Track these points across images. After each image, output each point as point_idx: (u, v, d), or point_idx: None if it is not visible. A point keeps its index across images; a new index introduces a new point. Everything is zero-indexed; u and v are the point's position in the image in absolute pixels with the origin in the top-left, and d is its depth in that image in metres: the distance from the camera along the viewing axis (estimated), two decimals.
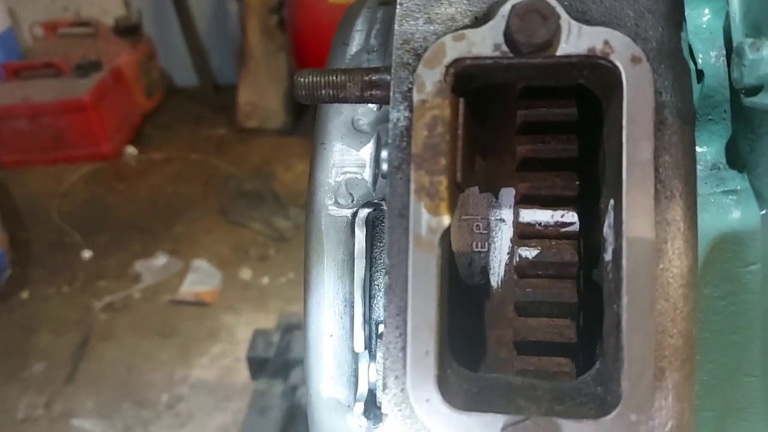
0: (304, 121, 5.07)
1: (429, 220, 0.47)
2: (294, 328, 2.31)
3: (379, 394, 0.64)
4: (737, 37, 0.55)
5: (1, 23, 5.12)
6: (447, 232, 0.48)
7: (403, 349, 0.47)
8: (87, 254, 3.95)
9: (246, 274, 3.72)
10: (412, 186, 0.47)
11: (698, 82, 0.62)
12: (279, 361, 2.12)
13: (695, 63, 0.62)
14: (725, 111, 0.61)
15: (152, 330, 3.44)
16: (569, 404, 0.46)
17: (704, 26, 0.63)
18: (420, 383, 0.46)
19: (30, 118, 4.63)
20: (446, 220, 0.47)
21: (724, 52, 0.61)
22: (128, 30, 5.20)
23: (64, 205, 4.40)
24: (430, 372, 0.46)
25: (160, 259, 3.83)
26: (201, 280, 3.65)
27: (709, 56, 0.61)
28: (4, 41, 5.09)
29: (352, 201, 0.69)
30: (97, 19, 5.31)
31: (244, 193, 4.30)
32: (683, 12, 0.51)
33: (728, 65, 0.60)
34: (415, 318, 0.47)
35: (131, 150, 4.88)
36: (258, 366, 2.20)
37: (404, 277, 0.48)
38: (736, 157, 0.60)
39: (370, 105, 0.73)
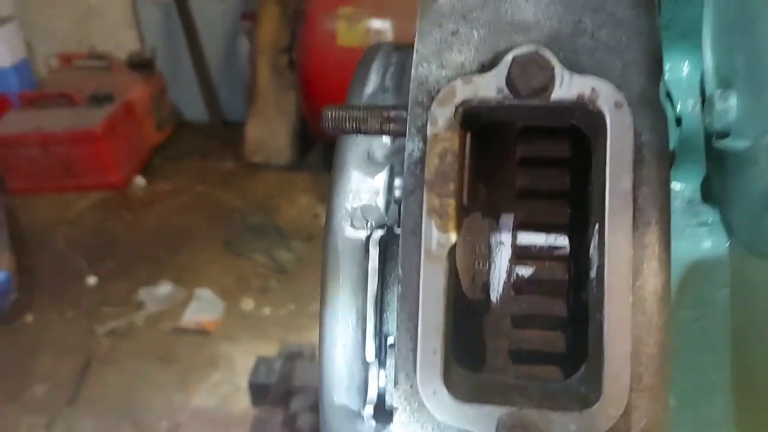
0: (308, 157, 5.18)
1: (439, 237, 0.54)
2: (296, 356, 2.36)
3: (388, 398, 0.71)
4: (709, 88, 0.63)
5: (18, 54, 5.26)
6: (453, 248, 0.55)
7: (413, 350, 0.54)
8: (92, 280, 4.01)
9: (248, 304, 3.77)
10: (425, 206, 0.55)
11: (677, 126, 0.70)
12: (280, 388, 2.17)
13: (675, 110, 0.70)
14: (701, 153, 0.69)
15: (153, 356, 3.48)
16: (557, 401, 0.53)
17: (683, 78, 0.72)
18: (428, 378, 0.53)
19: (42, 146, 4.73)
20: (453, 236, 0.54)
21: (701, 100, 0.69)
22: (141, 65, 5.34)
23: (72, 232, 4.47)
24: (437, 368, 0.53)
25: (164, 288, 3.89)
26: (204, 309, 3.71)
27: (687, 104, 0.69)
28: (20, 71, 5.23)
29: (367, 224, 0.76)
30: (112, 53, 5.46)
31: (249, 226, 4.38)
32: (662, 66, 0.60)
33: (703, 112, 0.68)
34: (424, 321, 0.54)
35: (140, 180, 4.98)
36: (259, 392, 2.24)
37: (416, 286, 0.55)
38: (709, 193, 0.67)
39: (384, 139, 0.81)
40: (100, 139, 4.69)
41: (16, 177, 4.80)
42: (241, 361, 3.37)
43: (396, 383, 0.55)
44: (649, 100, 0.57)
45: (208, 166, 5.16)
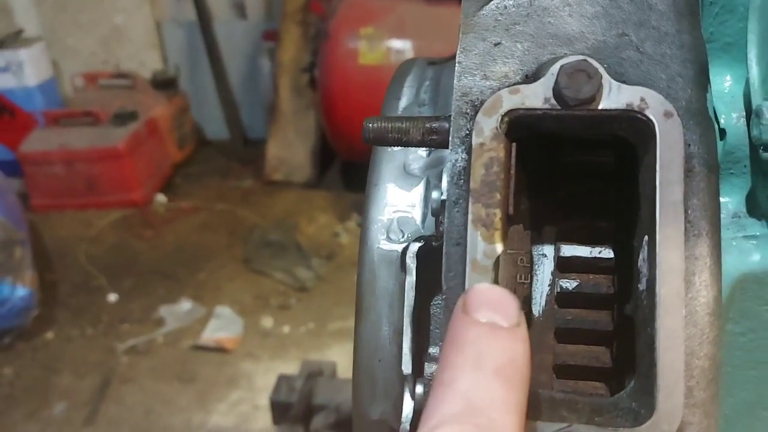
0: (328, 176, 5.20)
1: (485, 248, 0.54)
2: (317, 374, 2.35)
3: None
4: (756, 100, 0.62)
5: (44, 73, 5.35)
6: (498, 259, 0.54)
7: None
8: (112, 297, 4.03)
9: (267, 322, 3.77)
10: (470, 217, 0.54)
11: (721, 140, 0.69)
12: (301, 406, 2.16)
13: (718, 123, 0.69)
14: (745, 166, 0.68)
15: (172, 374, 3.48)
16: (607, 416, 0.52)
17: (726, 91, 0.71)
18: None
19: (66, 163, 4.79)
20: (499, 247, 0.54)
21: (744, 113, 0.68)
22: (165, 83, 5.42)
23: (93, 249, 4.51)
24: None
25: (184, 305, 3.90)
26: (223, 326, 3.71)
27: (730, 117, 0.68)
28: (45, 90, 5.32)
29: (403, 237, 0.76)
30: (136, 72, 5.55)
31: (268, 243, 4.39)
32: (708, 78, 0.59)
33: (748, 125, 0.67)
34: None
35: (161, 198, 5.02)
36: (280, 410, 2.23)
37: None
38: (755, 207, 0.66)
39: (419, 152, 0.81)
40: (124, 156, 4.75)
41: (39, 194, 4.86)
42: (261, 379, 3.36)
43: None
44: (697, 111, 0.56)
45: (228, 183, 5.20)
